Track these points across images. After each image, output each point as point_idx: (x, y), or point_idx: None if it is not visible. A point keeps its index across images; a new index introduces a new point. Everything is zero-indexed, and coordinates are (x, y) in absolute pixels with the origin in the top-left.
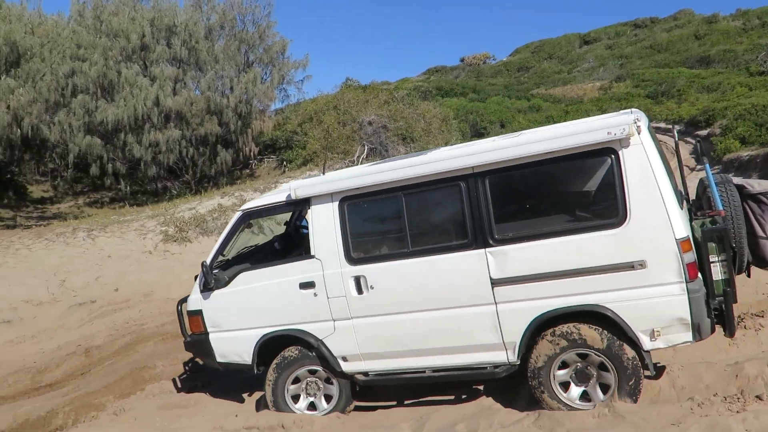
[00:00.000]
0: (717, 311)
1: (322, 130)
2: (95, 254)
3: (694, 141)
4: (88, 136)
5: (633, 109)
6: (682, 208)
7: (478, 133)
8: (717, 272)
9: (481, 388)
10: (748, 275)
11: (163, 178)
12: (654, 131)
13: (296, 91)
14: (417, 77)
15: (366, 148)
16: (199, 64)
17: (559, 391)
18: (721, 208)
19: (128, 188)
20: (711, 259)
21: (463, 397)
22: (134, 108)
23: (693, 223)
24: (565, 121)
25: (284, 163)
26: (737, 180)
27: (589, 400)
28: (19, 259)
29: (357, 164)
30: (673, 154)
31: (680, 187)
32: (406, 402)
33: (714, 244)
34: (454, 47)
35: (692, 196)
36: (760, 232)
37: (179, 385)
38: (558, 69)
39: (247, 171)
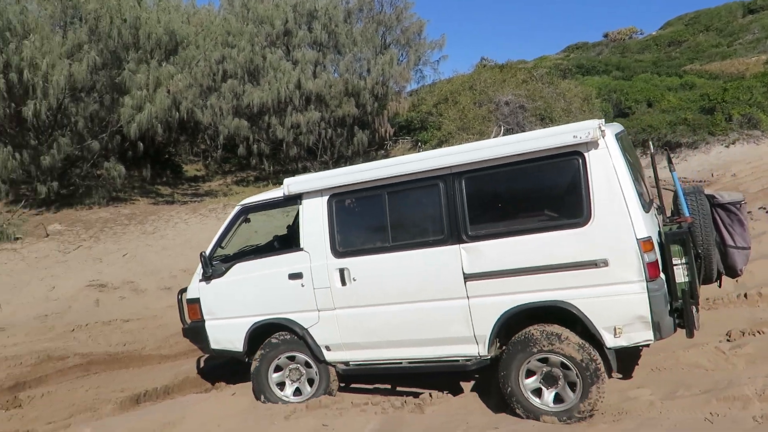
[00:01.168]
0: (678, 312)
1: (457, 110)
2: (244, 228)
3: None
4: (236, 119)
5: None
6: (648, 212)
7: (622, 113)
8: (679, 275)
9: None
10: (719, 285)
11: (303, 158)
12: (627, 140)
13: (432, 71)
14: (555, 55)
15: (502, 128)
16: (338, 47)
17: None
18: (687, 214)
19: (271, 168)
20: (674, 262)
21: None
22: (278, 91)
23: (662, 228)
24: (723, 98)
25: (419, 144)
26: (709, 191)
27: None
28: (177, 232)
29: None
30: (669, 164)
31: (652, 196)
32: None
33: (678, 247)
34: (596, 23)
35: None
36: (729, 241)
37: None
38: (716, 42)
39: (382, 152)
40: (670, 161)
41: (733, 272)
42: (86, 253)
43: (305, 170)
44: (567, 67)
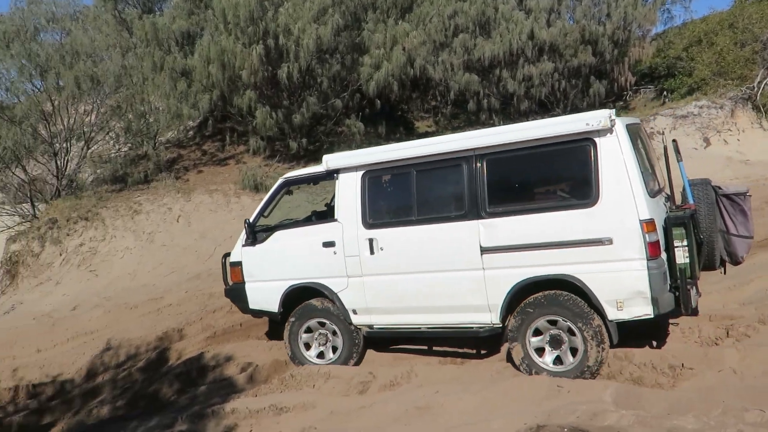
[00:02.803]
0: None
1: (713, 53)
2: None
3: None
4: (467, 74)
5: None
6: (654, 197)
7: None
8: (680, 256)
9: None
10: (724, 272)
11: (534, 112)
12: (641, 131)
13: (682, 10)
14: None
15: None
16: None
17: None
18: (692, 202)
19: (501, 122)
20: (675, 244)
21: None
22: (509, 43)
23: (670, 213)
24: None
25: (665, 93)
26: (716, 183)
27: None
28: None
29: (757, 92)
30: (678, 154)
31: (663, 185)
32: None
33: (679, 230)
34: None
35: None
36: (732, 230)
37: None
38: None
39: (621, 103)
40: (677, 152)
41: (734, 259)
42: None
43: None
44: None
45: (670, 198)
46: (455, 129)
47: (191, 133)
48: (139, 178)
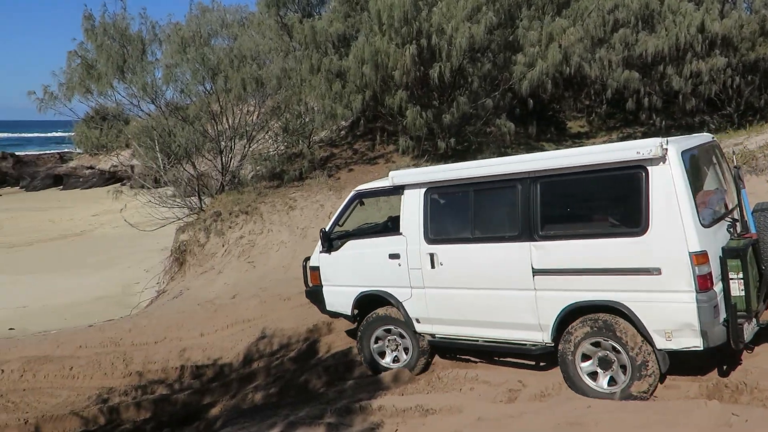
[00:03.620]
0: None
1: None
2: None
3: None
4: (626, 71)
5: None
6: (709, 227)
7: None
8: (734, 289)
9: None
10: None
11: (701, 111)
12: (706, 153)
13: None
14: None
15: None
16: None
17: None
18: (753, 231)
19: (662, 123)
20: (730, 276)
21: None
22: (676, 37)
23: (726, 244)
24: None
25: None
26: None
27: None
28: None
29: None
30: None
31: (731, 205)
32: None
33: (735, 262)
34: None
35: None
36: None
37: None
38: None
39: None
40: (740, 178)
41: None
42: None
43: (702, 125)
44: None
45: (735, 223)
46: (610, 129)
47: (343, 132)
48: (294, 176)
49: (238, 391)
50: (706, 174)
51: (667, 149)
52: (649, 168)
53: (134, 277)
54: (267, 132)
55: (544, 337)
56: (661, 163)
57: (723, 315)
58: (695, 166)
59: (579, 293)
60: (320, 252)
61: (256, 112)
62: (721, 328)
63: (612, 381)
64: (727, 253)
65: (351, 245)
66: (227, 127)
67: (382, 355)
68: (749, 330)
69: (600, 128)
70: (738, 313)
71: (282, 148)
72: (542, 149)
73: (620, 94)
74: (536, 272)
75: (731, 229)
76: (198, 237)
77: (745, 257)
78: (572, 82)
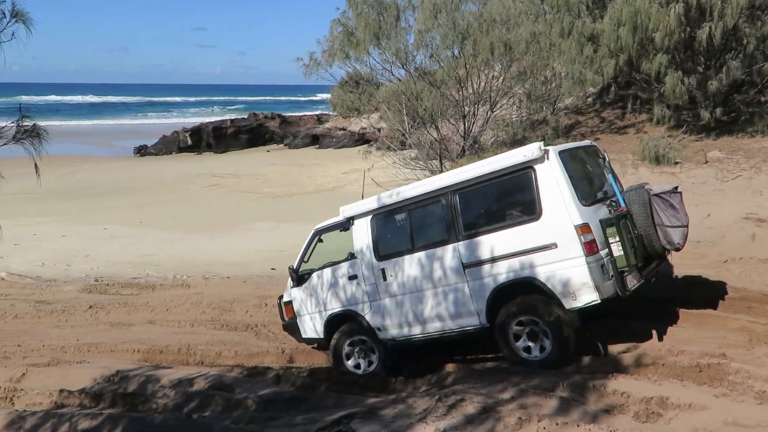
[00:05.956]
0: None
1: None
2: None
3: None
4: None
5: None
6: (590, 205)
7: None
8: (615, 249)
9: None
10: (667, 257)
11: None
12: (580, 154)
13: None
14: None
15: None
16: None
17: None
18: (623, 205)
19: None
20: (610, 240)
21: None
22: None
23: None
24: None
25: None
26: (649, 186)
27: None
28: None
29: None
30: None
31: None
32: None
33: (612, 229)
34: None
35: None
36: (665, 222)
37: None
38: None
39: None
40: (610, 167)
41: (673, 246)
42: (745, 183)
43: None
44: None
45: (612, 201)
46: None
47: (591, 99)
48: None
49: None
50: (586, 168)
51: (546, 150)
52: (535, 167)
53: None
54: (510, 98)
55: (481, 320)
56: (544, 161)
57: (611, 272)
58: (575, 162)
59: (500, 276)
60: (291, 287)
61: (501, 78)
62: (611, 282)
63: (541, 349)
64: (604, 222)
65: (316, 276)
66: (471, 92)
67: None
68: (633, 281)
69: None
70: (620, 268)
71: (525, 114)
72: None
73: None
74: (465, 266)
75: (610, 208)
76: None
77: (619, 225)
78: None
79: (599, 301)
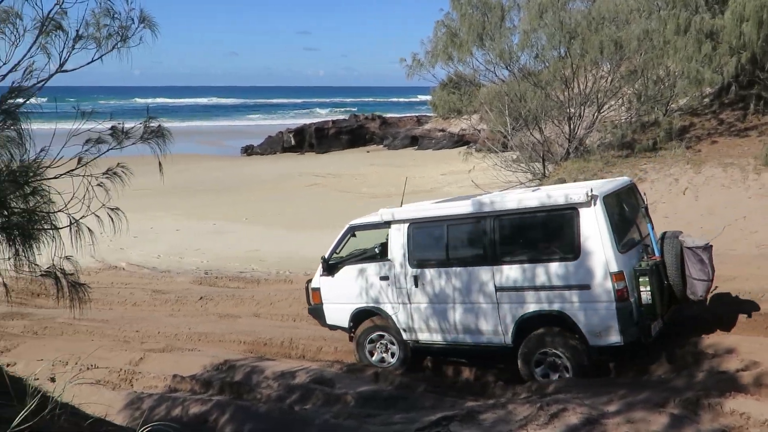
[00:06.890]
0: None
1: None
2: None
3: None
4: None
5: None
6: (625, 252)
7: None
8: (645, 298)
9: None
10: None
11: None
12: (623, 194)
13: None
14: None
15: None
16: None
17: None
18: (657, 254)
19: None
20: (641, 289)
21: None
22: None
23: (642, 262)
24: None
25: None
26: (683, 237)
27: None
28: None
29: None
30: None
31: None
32: None
33: (644, 278)
34: None
35: None
36: (693, 274)
37: None
38: None
39: None
40: (648, 216)
41: (695, 297)
42: None
43: None
44: None
45: (643, 249)
46: None
47: (707, 100)
48: (646, 146)
49: None
50: (624, 210)
51: (593, 195)
52: (579, 209)
53: None
54: (619, 99)
55: (506, 340)
56: (588, 205)
57: (637, 319)
58: (615, 205)
59: (530, 305)
60: (320, 275)
61: (609, 78)
62: (635, 328)
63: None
64: (638, 272)
65: (347, 269)
66: (577, 92)
67: (371, 353)
68: (655, 329)
69: None
70: (647, 317)
71: (634, 115)
72: None
73: None
74: (498, 289)
75: (643, 254)
76: None
77: (652, 275)
78: None
79: (622, 343)
